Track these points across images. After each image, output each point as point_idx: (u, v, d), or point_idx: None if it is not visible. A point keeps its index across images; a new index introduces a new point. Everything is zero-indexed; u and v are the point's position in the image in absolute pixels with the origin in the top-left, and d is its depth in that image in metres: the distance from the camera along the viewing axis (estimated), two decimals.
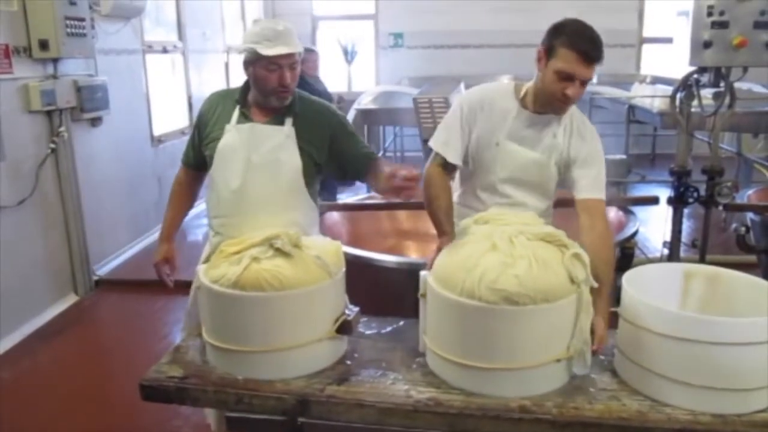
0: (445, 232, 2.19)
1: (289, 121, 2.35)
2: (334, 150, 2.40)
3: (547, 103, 2.19)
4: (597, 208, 2.21)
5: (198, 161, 2.52)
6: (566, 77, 2.08)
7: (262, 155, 2.32)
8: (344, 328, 2.00)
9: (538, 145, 2.25)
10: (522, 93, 2.25)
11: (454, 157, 2.30)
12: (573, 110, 2.27)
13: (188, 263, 2.61)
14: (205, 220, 2.84)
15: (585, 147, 2.25)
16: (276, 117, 2.36)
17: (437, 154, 2.33)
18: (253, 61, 2.26)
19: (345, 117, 2.50)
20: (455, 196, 2.44)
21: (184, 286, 2.64)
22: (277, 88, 2.27)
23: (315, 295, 1.93)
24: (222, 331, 1.95)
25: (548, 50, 2.11)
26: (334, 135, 2.40)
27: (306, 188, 2.39)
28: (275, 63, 2.23)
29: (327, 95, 5.81)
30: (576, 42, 2.06)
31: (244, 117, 2.37)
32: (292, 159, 2.34)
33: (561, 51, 2.07)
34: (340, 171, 2.47)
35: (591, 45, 2.06)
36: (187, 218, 2.80)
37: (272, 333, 1.90)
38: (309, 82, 5.61)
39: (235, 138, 2.34)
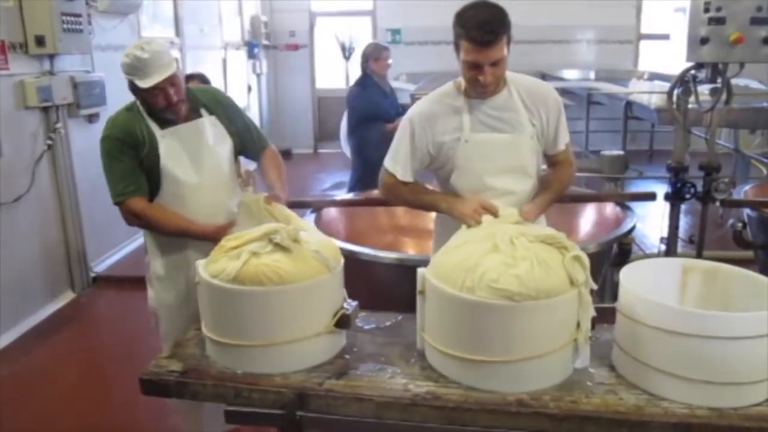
0: (444, 200, 2.31)
1: (204, 112, 2.53)
2: (237, 131, 2.62)
3: (472, 90, 2.23)
4: (564, 153, 2.43)
5: (146, 183, 2.47)
6: (473, 66, 2.12)
7: (207, 146, 2.49)
8: (343, 322, 2.00)
9: (506, 125, 2.28)
10: (463, 86, 2.28)
11: (403, 175, 2.35)
12: (513, 81, 2.29)
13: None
14: None
15: (548, 103, 2.32)
16: (191, 115, 2.49)
17: (387, 169, 2.39)
18: (136, 90, 2.37)
19: (233, 100, 2.70)
20: None
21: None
22: (166, 107, 2.39)
23: (314, 289, 1.93)
24: (222, 326, 1.95)
25: (455, 43, 2.17)
26: (234, 118, 2.62)
27: (235, 165, 2.67)
28: (155, 88, 2.32)
29: (396, 102, 5.52)
30: (467, 31, 2.08)
31: (167, 123, 2.45)
32: (226, 141, 2.57)
33: (461, 43, 2.12)
34: (240, 148, 2.67)
35: (482, 30, 2.05)
36: None
37: (271, 327, 1.90)
38: (378, 84, 5.34)
39: (173, 141, 2.44)
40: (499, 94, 2.26)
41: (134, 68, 2.30)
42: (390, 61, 5.40)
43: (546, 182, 2.40)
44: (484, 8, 2.11)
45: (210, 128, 2.51)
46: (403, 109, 5.53)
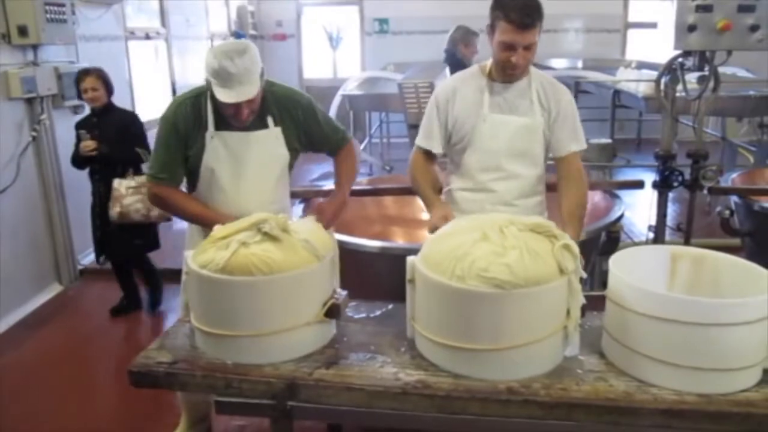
0: (433, 204, 2.46)
1: (271, 121, 2.43)
2: (308, 136, 2.54)
3: (501, 72, 2.39)
4: (575, 159, 2.47)
5: (182, 175, 2.47)
6: (508, 47, 2.28)
7: (256, 159, 2.42)
8: (333, 311, 2.00)
9: (518, 111, 2.42)
10: (488, 69, 2.45)
11: (437, 147, 2.53)
12: (536, 75, 2.45)
13: (173, 248, 2.59)
14: None
15: (561, 104, 2.44)
16: (256, 120, 2.40)
17: (420, 146, 2.56)
18: (212, 91, 2.27)
19: (313, 102, 2.56)
20: (457, 184, 2.58)
21: (169, 274, 2.62)
22: (233, 116, 2.31)
23: (303, 278, 1.93)
24: (211, 317, 1.94)
25: (491, 25, 2.32)
26: (307, 125, 2.51)
27: (288, 175, 2.59)
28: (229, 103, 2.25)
29: None
30: (508, 13, 2.23)
31: (225, 123, 2.37)
32: (281, 156, 2.47)
33: (499, 24, 2.27)
34: (314, 149, 2.63)
35: (522, 13, 2.22)
36: None
37: (261, 317, 1.90)
38: (467, 67, 5.31)
39: (221, 146, 2.39)
40: (519, 81, 2.41)
41: (218, 75, 2.20)
42: (478, 47, 5.46)
43: (569, 214, 2.39)
44: None
45: (265, 142, 2.42)
46: None
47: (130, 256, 4.29)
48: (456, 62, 5.29)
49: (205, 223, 2.39)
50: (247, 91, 2.22)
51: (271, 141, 2.43)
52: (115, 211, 3.96)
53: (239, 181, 2.42)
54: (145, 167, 3.79)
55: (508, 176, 2.45)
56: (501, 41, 2.28)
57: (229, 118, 2.34)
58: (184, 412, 2.85)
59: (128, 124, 4.15)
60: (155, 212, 3.95)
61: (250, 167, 2.42)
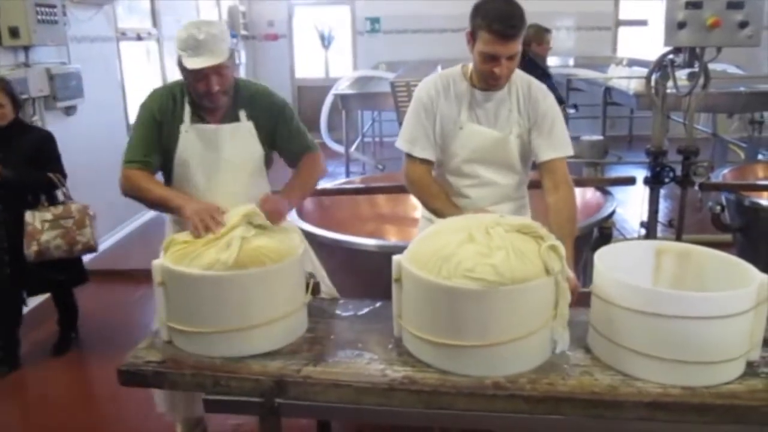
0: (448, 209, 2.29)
1: (243, 115, 2.41)
2: (272, 135, 2.48)
3: (483, 82, 2.27)
4: (558, 167, 2.32)
5: (157, 163, 2.42)
6: (491, 58, 2.15)
7: (229, 154, 2.39)
8: (316, 289, 2.14)
9: (496, 122, 2.32)
10: (469, 73, 2.32)
11: (429, 154, 2.36)
12: (517, 79, 2.32)
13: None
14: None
15: (538, 110, 2.31)
16: (229, 113, 2.40)
17: (416, 156, 2.37)
18: (182, 68, 2.29)
19: (287, 105, 2.52)
20: None
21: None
22: (205, 94, 2.30)
23: (299, 262, 2.05)
24: (222, 315, 1.93)
25: (471, 34, 2.18)
26: (276, 122, 2.47)
27: (265, 173, 2.53)
28: (199, 72, 2.24)
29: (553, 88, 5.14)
30: (490, 23, 2.10)
31: (199, 118, 2.39)
32: (255, 151, 2.44)
33: (480, 34, 2.14)
34: (273, 150, 2.55)
35: (505, 24, 2.09)
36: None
37: (269, 306, 1.96)
38: (540, 66, 5.03)
39: (195, 140, 2.37)
40: (500, 90, 2.29)
41: (186, 45, 2.22)
42: (551, 44, 5.34)
43: (558, 230, 2.12)
44: (505, 2, 2.14)
45: (238, 136, 2.40)
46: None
47: (53, 291, 3.93)
48: (527, 63, 5.17)
49: (167, 208, 2.34)
50: (215, 58, 2.23)
51: (244, 135, 2.41)
52: (32, 250, 3.46)
53: (213, 176, 2.40)
54: (60, 194, 3.58)
55: (483, 183, 2.36)
56: (483, 52, 2.15)
57: (202, 99, 2.32)
58: (179, 424, 2.85)
59: (41, 145, 3.58)
60: (78, 246, 3.59)
61: (224, 162, 2.39)
